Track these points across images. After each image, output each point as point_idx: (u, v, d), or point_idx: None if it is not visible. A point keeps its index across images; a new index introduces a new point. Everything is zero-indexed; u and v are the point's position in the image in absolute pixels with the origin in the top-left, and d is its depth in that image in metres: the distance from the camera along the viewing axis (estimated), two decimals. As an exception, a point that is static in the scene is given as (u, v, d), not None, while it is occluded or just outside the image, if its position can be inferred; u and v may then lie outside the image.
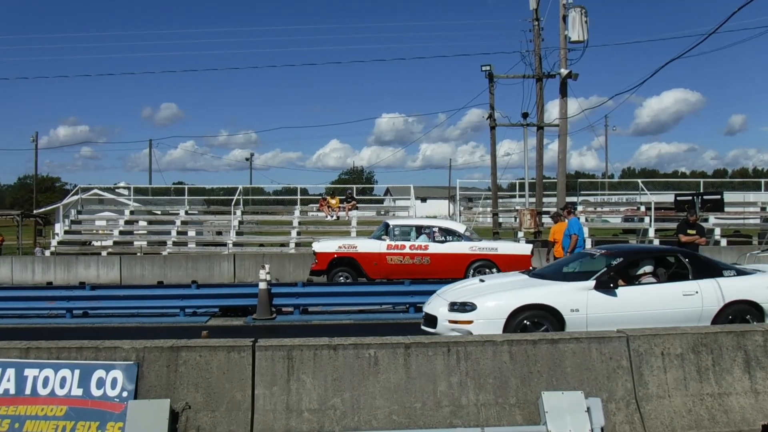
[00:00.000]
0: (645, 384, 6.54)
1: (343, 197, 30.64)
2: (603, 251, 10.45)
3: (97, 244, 30.05)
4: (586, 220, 27.56)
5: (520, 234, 25.70)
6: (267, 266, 14.00)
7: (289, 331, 12.09)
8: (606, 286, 9.17)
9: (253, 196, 35.15)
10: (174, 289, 15.11)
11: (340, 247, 17.57)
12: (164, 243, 28.26)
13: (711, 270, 9.79)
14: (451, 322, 9.09)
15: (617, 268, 9.56)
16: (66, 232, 29.55)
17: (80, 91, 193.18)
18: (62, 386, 6.20)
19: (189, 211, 32.28)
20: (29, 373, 6.26)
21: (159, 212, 33.15)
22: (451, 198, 52.05)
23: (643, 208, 28.92)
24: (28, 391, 6.20)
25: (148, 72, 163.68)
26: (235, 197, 30.36)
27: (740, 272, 9.98)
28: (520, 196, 29.34)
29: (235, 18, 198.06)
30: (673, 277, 9.77)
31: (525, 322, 8.92)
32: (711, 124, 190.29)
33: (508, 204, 31.53)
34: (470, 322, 8.90)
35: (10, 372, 6.27)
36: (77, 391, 6.18)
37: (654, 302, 9.28)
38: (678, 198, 28.98)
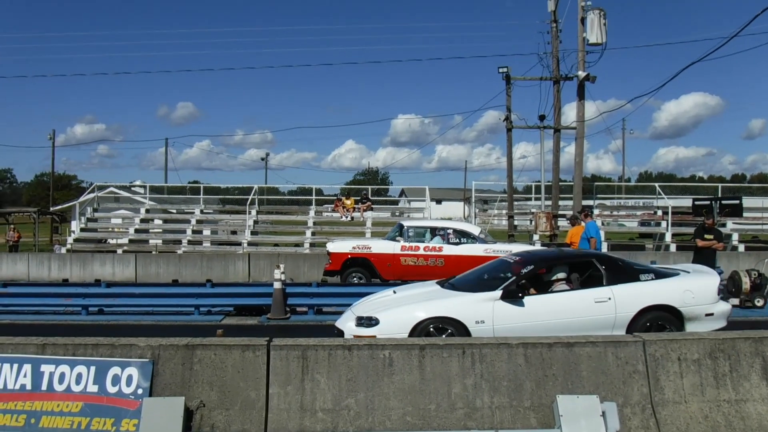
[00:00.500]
0: (661, 389, 6.48)
1: (358, 198, 30.65)
2: (517, 258, 10.10)
3: (112, 242, 30.25)
4: (602, 224, 27.37)
5: (536, 237, 25.60)
6: (282, 266, 14.02)
7: (304, 331, 12.10)
8: (513, 295, 8.82)
9: (268, 196, 35.19)
10: (189, 288, 15.19)
11: (354, 248, 17.55)
12: (179, 242, 28.38)
13: (626, 274, 9.38)
14: (355, 337, 8.64)
15: (526, 277, 9.27)
16: (82, 230, 29.74)
17: (97, 90, 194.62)
18: (78, 382, 6.23)
19: (204, 210, 32.42)
20: (45, 368, 6.30)
21: (174, 211, 33.30)
22: (466, 200, 51.95)
23: (659, 212, 28.70)
24: (44, 386, 6.24)
25: (164, 71, 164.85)
26: (250, 197, 30.45)
27: (660, 275, 9.58)
28: (536, 199, 29.22)
29: (251, 18, 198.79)
30: (587, 284, 9.43)
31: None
32: (730, 129, 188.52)
33: (524, 206, 31.38)
34: (373, 337, 8.44)
35: (27, 368, 6.31)
36: (93, 388, 6.21)
37: (564, 311, 8.93)
38: (696, 202, 28.70)
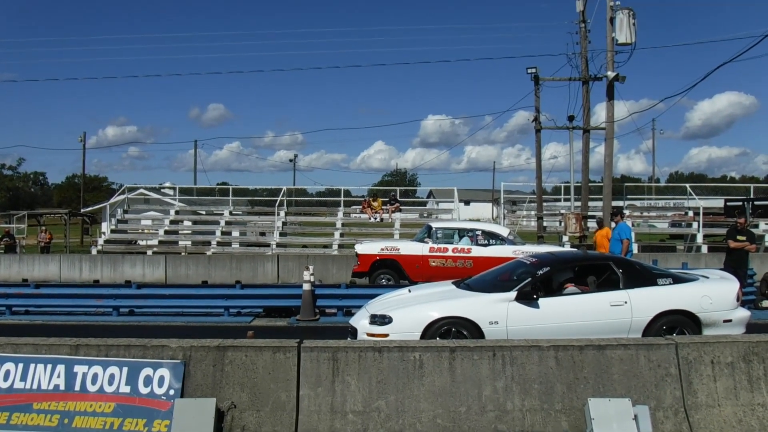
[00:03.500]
0: (694, 392, 6.41)
1: (386, 199, 30.63)
2: (533, 260, 9.99)
3: (142, 243, 30.53)
4: (633, 225, 27.10)
5: (565, 238, 25.41)
6: (311, 267, 14.04)
7: (333, 333, 12.07)
8: (528, 297, 8.76)
9: (296, 197, 35.32)
10: (218, 289, 15.26)
11: (382, 249, 17.50)
12: (208, 243, 28.56)
13: (644, 278, 9.26)
14: (369, 335, 8.70)
15: (541, 278, 9.18)
16: (112, 231, 30.05)
17: (130, 92, 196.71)
18: (110, 383, 6.28)
19: (233, 212, 32.57)
20: (78, 369, 6.36)
21: (204, 212, 33.53)
22: (494, 201, 51.73)
23: (691, 213, 28.33)
24: (77, 387, 6.29)
25: (194, 73, 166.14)
26: (278, 198, 30.58)
27: (678, 279, 9.41)
28: (565, 200, 29.00)
29: (280, 20, 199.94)
30: (603, 287, 9.31)
31: (441, 336, 8.59)
32: (764, 128, 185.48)
33: (553, 207, 31.13)
34: (386, 335, 8.51)
35: (60, 368, 6.37)
36: (125, 389, 6.26)
37: (579, 314, 8.84)
38: (728, 203, 28.30)
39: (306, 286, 13.74)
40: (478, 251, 16.98)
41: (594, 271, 9.67)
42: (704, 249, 25.41)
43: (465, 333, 8.53)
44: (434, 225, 18.15)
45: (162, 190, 40.26)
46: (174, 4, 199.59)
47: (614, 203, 25.29)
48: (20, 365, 6.42)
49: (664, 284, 9.18)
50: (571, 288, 9.35)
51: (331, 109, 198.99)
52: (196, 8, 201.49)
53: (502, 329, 8.59)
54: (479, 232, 17.56)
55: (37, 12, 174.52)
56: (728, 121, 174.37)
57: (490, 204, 68.01)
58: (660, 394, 6.38)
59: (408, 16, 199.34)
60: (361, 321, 9.17)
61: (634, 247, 20.94)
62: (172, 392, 6.22)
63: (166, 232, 30.31)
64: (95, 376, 6.32)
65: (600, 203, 25.69)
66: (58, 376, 6.34)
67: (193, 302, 14.66)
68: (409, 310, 8.99)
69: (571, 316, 8.79)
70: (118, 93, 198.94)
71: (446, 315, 8.72)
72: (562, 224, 25.49)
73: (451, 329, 8.61)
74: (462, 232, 17.60)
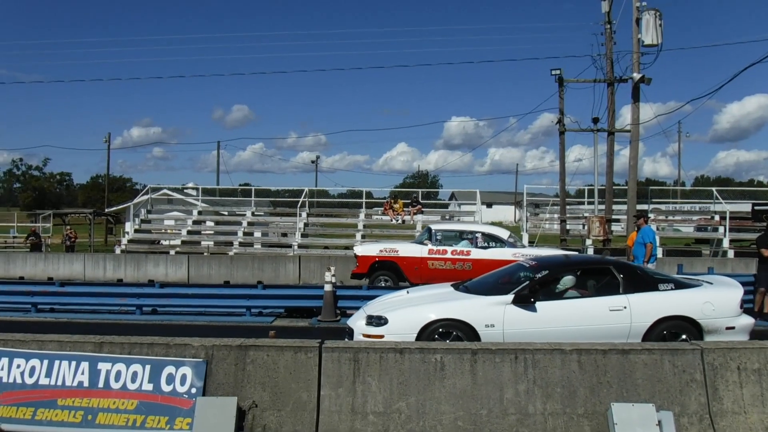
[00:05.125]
0: (719, 399, 6.34)
1: (408, 201, 30.59)
2: (532, 263, 9.86)
3: (165, 243, 30.75)
4: (657, 229, 26.84)
5: (589, 242, 25.22)
6: (332, 268, 14.05)
7: (354, 334, 12.09)
8: (525, 300, 8.67)
9: (318, 199, 35.39)
10: (240, 289, 15.32)
11: (381, 251, 17.40)
12: (231, 243, 28.69)
13: (644, 283, 9.13)
14: (365, 336, 8.67)
15: (539, 282, 9.01)
16: (136, 231, 30.29)
17: (153, 93, 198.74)
18: (134, 381, 6.33)
19: (255, 213, 32.69)
20: (102, 366, 6.42)
21: (226, 213, 33.67)
22: (517, 204, 51.49)
23: (717, 218, 27.99)
24: (101, 384, 6.35)
25: (217, 74, 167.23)
26: (300, 199, 30.65)
27: (680, 285, 9.28)
28: (589, 203, 28.78)
29: (304, 22, 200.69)
30: (602, 291, 9.15)
31: (436, 338, 8.52)
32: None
33: (576, 211, 30.87)
34: (381, 336, 8.47)
35: (84, 365, 6.43)
36: (148, 386, 6.30)
37: (577, 318, 8.73)
38: (755, 207, 27.88)
39: (327, 287, 13.75)
40: (477, 254, 16.83)
41: (594, 275, 9.57)
42: (731, 254, 25.07)
43: (461, 335, 8.49)
44: (434, 227, 18.06)
45: (185, 191, 40.48)
46: (198, 7, 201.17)
47: (639, 207, 25.04)
48: (45, 362, 6.49)
49: (666, 289, 9.06)
50: (570, 292, 9.24)
51: (354, 111, 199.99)
52: (220, 10, 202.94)
53: (499, 332, 8.54)
54: (479, 235, 17.41)
55: (63, 14, 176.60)
56: (758, 124, 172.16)
57: (513, 206, 67.87)
58: (684, 399, 6.31)
59: (431, 17, 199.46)
60: (357, 322, 9.16)
61: (659, 252, 20.73)
62: (194, 390, 6.26)
63: (189, 232, 30.50)
64: (119, 374, 6.38)
65: (624, 207, 25.45)
66: (83, 373, 6.41)
67: (215, 302, 14.72)
68: (405, 312, 8.96)
69: (570, 321, 8.71)
70: (142, 94, 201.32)
71: (442, 317, 8.68)
72: (586, 227, 25.30)
73: (447, 331, 8.57)
74: (462, 235, 17.51)
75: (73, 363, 6.46)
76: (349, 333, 9.16)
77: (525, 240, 26.65)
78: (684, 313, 8.83)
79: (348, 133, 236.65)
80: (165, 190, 37.19)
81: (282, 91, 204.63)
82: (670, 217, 31.23)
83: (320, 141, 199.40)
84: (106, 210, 46.96)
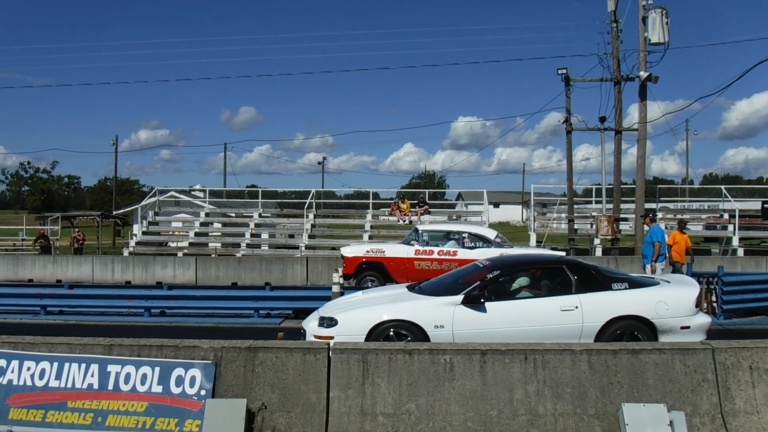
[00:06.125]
0: (732, 399, 6.30)
1: (415, 201, 30.55)
2: (486, 263, 9.76)
3: (173, 245, 30.77)
4: (666, 228, 26.74)
5: (597, 241, 25.15)
6: (340, 269, 14.06)
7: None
8: (475, 301, 8.55)
9: (325, 200, 35.39)
10: (248, 291, 15.39)
11: (368, 252, 17.33)
12: (238, 245, 28.75)
13: (597, 283, 8.97)
14: (316, 337, 8.54)
15: (490, 282, 8.91)
16: (144, 233, 30.40)
17: (161, 96, 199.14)
18: (143, 383, 6.34)
19: (262, 214, 32.71)
20: (112, 369, 6.44)
21: (233, 215, 33.71)
22: (524, 203, 51.37)
23: (726, 216, 27.86)
24: (110, 386, 6.37)
25: (224, 77, 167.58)
26: (307, 201, 30.67)
27: (635, 284, 9.12)
28: (597, 202, 28.72)
29: (309, 24, 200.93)
30: (555, 291, 9.05)
31: (388, 339, 8.45)
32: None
33: (584, 210, 30.78)
34: (331, 337, 8.24)
35: (94, 367, 6.45)
36: (157, 388, 6.31)
37: (528, 318, 8.59)
38: (765, 205, 27.72)
39: (335, 288, 13.73)
40: (464, 254, 16.65)
41: (548, 275, 9.49)
42: (740, 252, 24.98)
43: (409, 336, 8.39)
44: (421, 228, 18.03)
45: (192, 193, 40.53)
46: (205, 10, 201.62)
47: (647, 205, 24.98)
48: (55, 364, 6.51)
49: (619, 289, 8.93)
50: (523, 292, 9.16)
51: (361, 112, 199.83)
52: (227, 13, 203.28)
53: (448, 333, 8.45)
54: (466, 235, 17.33)
55: (71, 19, 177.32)
56: (767, 121, 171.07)
57: (520, 206, 67.69)
58: (696, 399, 6.28)
59: (436, 17, 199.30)
60: (310, 323, 9.08)
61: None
62: (203, 392, 6.26)
63: (197, 234, 30.58)
64: (128, 376, 6.39)
65: (632, 205, 25.39)
66: (92, 376, 6.42)
67: (223, 303, 14.77)
68: (355, 313, 8.89)
69: (520, 321, 8.59)
70: (150, 97, 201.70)
71: (391, 318, 8.60)
72: (594, 227, 25.24)
73: (396, 332, 8.49)
74: (449, 235, 17.44)
75: (83, 365, 6.48)
76: (303, 334, 9.06)
77: (533, 240, 26.64)
78: (637, 312, 8.71)
79: (355, 134, 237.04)
80: (172, 192, 37.23)
81: (289, 93, 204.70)
82: (679, 216, 31.10)
83: (327, 142, 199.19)
84: (114, 212, 47.00)
